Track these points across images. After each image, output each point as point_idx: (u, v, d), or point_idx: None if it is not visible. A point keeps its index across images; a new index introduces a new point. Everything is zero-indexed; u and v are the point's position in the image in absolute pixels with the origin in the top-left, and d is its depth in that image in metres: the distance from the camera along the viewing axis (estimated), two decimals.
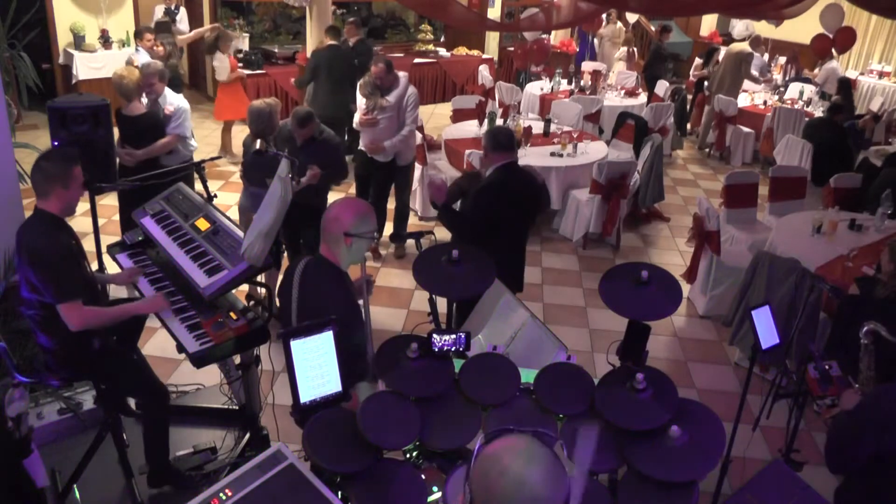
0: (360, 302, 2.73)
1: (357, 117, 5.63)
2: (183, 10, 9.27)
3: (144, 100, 5.15)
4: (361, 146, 5.74)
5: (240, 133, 7.68)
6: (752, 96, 9.78)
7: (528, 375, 2.52)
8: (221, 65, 7.91)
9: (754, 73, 9.58)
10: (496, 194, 3.79)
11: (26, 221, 2.95)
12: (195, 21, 9.95)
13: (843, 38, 9.84)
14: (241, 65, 9.70)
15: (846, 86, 8.71)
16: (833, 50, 10.02)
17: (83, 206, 3.75)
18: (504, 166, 3.82)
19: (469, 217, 3.85)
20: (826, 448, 2.49)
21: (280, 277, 2.99)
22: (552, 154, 6.72)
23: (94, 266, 3.73)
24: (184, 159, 5.11)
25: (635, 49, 11.04)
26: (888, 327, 2.85)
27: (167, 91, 5.22)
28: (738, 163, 9.20)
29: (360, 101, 5.59)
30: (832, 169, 6.43)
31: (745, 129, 9.07)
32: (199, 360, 2.94)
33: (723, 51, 10.65)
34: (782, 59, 11.34)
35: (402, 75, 5.59)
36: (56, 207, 2.89)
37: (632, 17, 11.56)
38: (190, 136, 5.35)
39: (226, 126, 8.26)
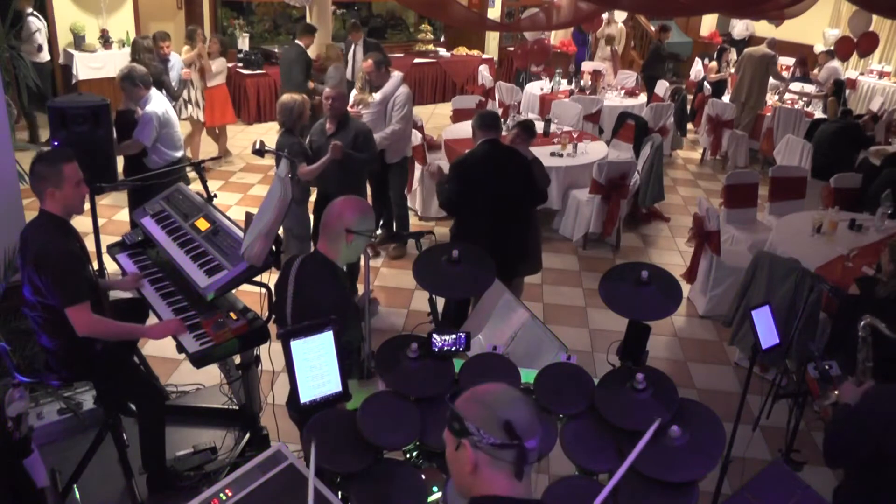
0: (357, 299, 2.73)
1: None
2: (37, 21, 8.11)
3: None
4: None
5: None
6: None
7: (528, 375, 2.52)
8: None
9: (783, 73, 9.52)
10: (473, 163, 4.14)
11: (31, 222, 2.92)
12: (194, 21, 9.94)
13: (866, 43, 9.86)
14: (240, 65, 9.73)
15: (840, 86, 8.72)
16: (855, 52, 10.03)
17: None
18: (485, 141, 4.15)
19: (450, 186, 4.19)
20: (825, 443, 2.49)
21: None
22: (552, 154, 6.72)
23: (94, 266, 3.73)
24: (157, 166, 4.95)
25: (618, 48, 11.05)
26: (888, 327, 2.85)
27: (153, 96, 5.05)
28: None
29: (353, 94, 5.69)
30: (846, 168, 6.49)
31: (740, 132, 9.01)
32: (199, 360, 2.93)
33: (732, 52, 10.57)
34: (781, 59, 11.32)
35: (397, 75, 5.60)
36: (55, 208, 2.86)
37: (619, 16, 11.42)
38: (163, 146, 5.07)
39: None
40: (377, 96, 5.52)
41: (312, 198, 5.09)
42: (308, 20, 9.10)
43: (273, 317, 3.15)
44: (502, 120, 7.47)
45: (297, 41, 7.63)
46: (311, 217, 5.04)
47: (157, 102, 5.06)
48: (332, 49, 7.83)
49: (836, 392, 2.78)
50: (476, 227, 4.10)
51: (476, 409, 1.47)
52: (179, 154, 5.24)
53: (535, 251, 4.64)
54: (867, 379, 2.81)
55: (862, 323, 2.89)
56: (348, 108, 5.57)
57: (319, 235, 2.67)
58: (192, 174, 5.62)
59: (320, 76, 7.57)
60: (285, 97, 4.73)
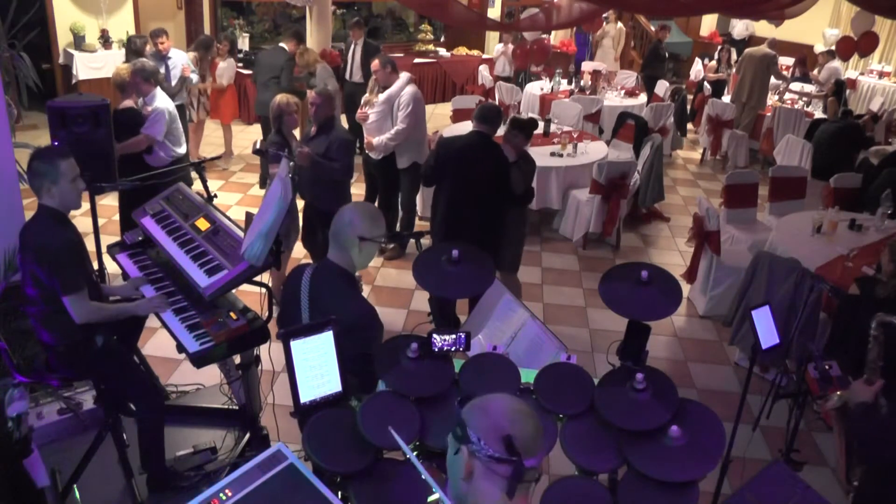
0: None
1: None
2: None
3: (142, 100, 5.13)
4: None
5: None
6: None
7: (528, 375, 2.52)
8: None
9: (783, 73, 9.52)
10: (452, 145, 4.46)
11: (30, 219, 2.95)
12: (194, 21, 9.95)
13: (866, 43, 9.86)
14: (240, 65, 9.73)
15: (840, 87, 8.72)
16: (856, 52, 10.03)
17: (83, 205, 3.74)
18: (474, 131, 4.39)
19: (429, 158, 4.58)
20: (858, 446, 2.48)
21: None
22: (552, 154, 6.72)
23: (95, 265, 3.72)
24: (164, 163, 5.01)
25: (615, 50, 11.17)
26: None
27: (158, 93, 5.13)
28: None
29: (366, 95, 5.77)
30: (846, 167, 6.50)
31: (740, 133, 9.01)
32: (199, 360, 2.93)
33: (733, 52, 10.56)
34: (781, 59, 11.30)
35: (404, 75, 5.61)
36: (52, 203, 2.89)
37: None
38: (169, 141, 5.15)
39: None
40: (381, 96, 5.54)
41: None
42: (308, 20, 9.09)
43: (272, 317, 3.15)
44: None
45: (282, 44, 7.46)
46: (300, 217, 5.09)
47: (164, 99, 5.16)
48: (310, 54, 7.64)
49: (839, 394, 2.77)
50: (438, 200, 4.52)
51: (480, 418, 1.46)
52: (183, 150, 5.30)
53: (509, 249, 4.72)
54: (877, 378, 2.80)
55: (874, 322, 2.87)
56: (358, 111, 5.62)
57: (330, 245, 2.62)
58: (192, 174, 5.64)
59: (303, 80, 7.42)
60: (277, 97, 4.76)
